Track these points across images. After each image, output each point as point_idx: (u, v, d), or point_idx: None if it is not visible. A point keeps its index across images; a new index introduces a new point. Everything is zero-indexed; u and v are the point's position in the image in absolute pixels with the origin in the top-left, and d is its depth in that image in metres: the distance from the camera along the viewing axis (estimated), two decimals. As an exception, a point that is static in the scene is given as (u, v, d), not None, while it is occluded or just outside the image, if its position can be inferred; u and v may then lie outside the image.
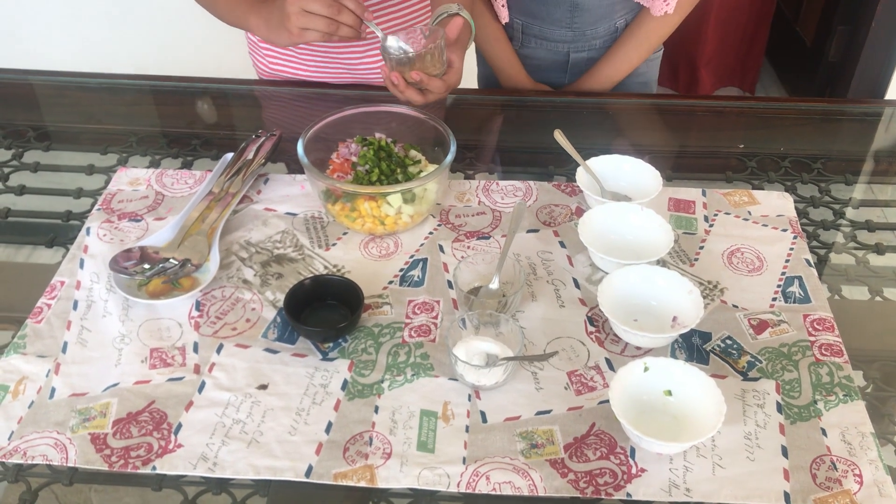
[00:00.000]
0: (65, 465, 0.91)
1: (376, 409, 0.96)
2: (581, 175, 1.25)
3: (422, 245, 1.19)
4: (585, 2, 1.49)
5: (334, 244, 1.19)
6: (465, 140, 1.38)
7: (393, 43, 1.24)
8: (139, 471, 0.90)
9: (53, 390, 0.98)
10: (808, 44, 3.26)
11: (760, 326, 1.07)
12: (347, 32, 1.23)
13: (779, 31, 3.42)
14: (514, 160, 1.46)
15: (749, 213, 1.26)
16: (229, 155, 1.31)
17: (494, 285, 1.10)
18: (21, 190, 1.31)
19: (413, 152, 1.26)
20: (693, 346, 1.04)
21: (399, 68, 1.23)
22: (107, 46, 2.90)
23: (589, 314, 1.09)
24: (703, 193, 1.29)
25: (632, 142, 1.51)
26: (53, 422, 0.95)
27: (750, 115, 1.59)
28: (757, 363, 1.02)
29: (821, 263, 1.19)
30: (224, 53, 2.15)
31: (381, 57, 1.52)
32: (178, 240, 1.15)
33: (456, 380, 1.00)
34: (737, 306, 1.10)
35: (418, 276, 1.14)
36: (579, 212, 1.25)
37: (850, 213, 1.29)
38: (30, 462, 0.91)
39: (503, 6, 1.52)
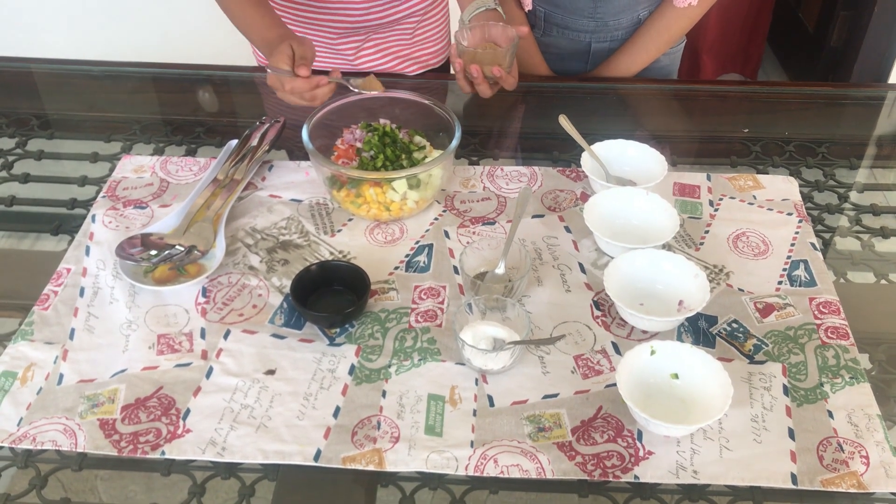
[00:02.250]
0: (74, 450, 0.91)
1: (384, 394, 0.97)
2: (586, 160, 1.25)
3: (427, 231, 1.19)
4: None
5: (340, 230, 1.19)
6: (470, 126, 1.38)
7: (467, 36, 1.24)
8: (148, 456, 0.91)
9: (61, 376, 0.98)
10: (810, 29, 3.25)
11: (766, 310, 1.07)
12: (328, 94, 1.24)
13: (781, 17, 3.41)
14: (519, 146, 1.46)
15: (754, 197, 1.26)
16: (234, 142, 1.31)
17: (500, 270, 1.10)
18: (25, 178, 1.31)
19: (418, 138, 1.26)
20: (699, 330, 1.05)
21: (475, 61, 1.22)
22: (108, 34, 2.89)
23: (595, 298, 1.09)
24: (708, 178, 1.29)
25: (636, 127, 1.50)
26: (62, 408, 0.95)
27: (754, 100, 1.59)
28: (763, 346, 1.03)
29: (826, 247, 1.20)
30: (225, 41, 2.14)
31: (376, 49, 1.52)
32: (183, 226, 1.15)
33: (463, 364, 1.00)
34: (742, 290, 1.10)
35: (424, 262, 1.14)
36: (584, 197, 1.25)
37: (854, 196, 1.29)
38: (39, 448, 0.92)
39: None
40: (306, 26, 1.50)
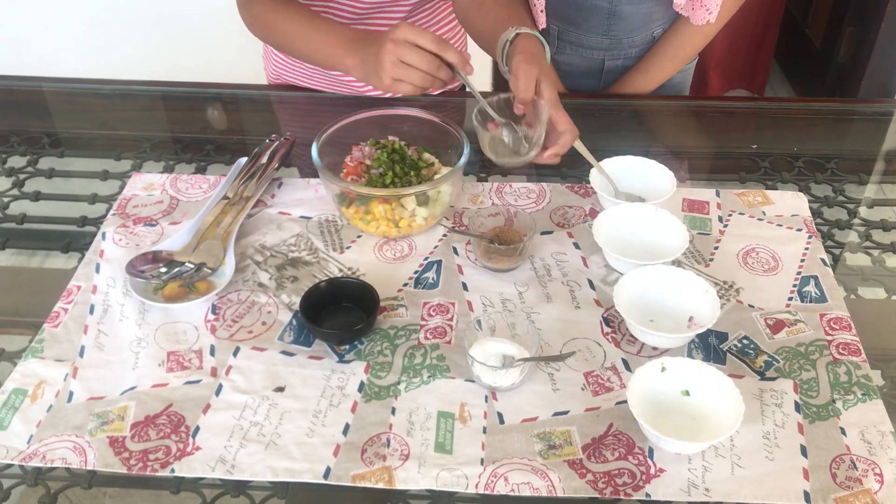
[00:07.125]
0: (84, 468, 0.91)
1: (393, 411, 0.96)
2: (595, 176, 1.25)
3: (436, 247, 1.19)
4: (623, 10, 1.48)
5: (349, 247, 1.19)
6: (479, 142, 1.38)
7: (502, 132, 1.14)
8: (157, 474, 0.90)
9: (71, 394, 0.98)
10: (817, 45, 3.26)
11: (777, 326, 1.07)
12: (441, 87, 1.14)
13: (788, 33, 3.42)
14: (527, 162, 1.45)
15: (763, 213, 1.26)
16: (243, 159, 1.32)
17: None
18: (36, 196, 1.32)
19: (426, 155, 1.26)
20: (710, 346, 1.04)
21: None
22: (118, 53, 2.92)
23: (605, 315, 1.09)
24: (717, 194, 1.29)
25: (645, 143, 1.50)
26: (72, 425, 0.95)
27: (762, 116, 1.59)
28: (774, 363, 1.02)
29: (836, 263, 1.19)
30: (234, 59, 2.16)
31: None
32: (193, 244, 1.15)
33: (472, 381, 1.00)
34: (753, 306, 1.10)
35: (433, 279, 1.14)
36: (593, 213, 1.25)
37: (864, 212, 1.29)
38: (49, 465, 0.91)
39: (541, 11, 1.51)
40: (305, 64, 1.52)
